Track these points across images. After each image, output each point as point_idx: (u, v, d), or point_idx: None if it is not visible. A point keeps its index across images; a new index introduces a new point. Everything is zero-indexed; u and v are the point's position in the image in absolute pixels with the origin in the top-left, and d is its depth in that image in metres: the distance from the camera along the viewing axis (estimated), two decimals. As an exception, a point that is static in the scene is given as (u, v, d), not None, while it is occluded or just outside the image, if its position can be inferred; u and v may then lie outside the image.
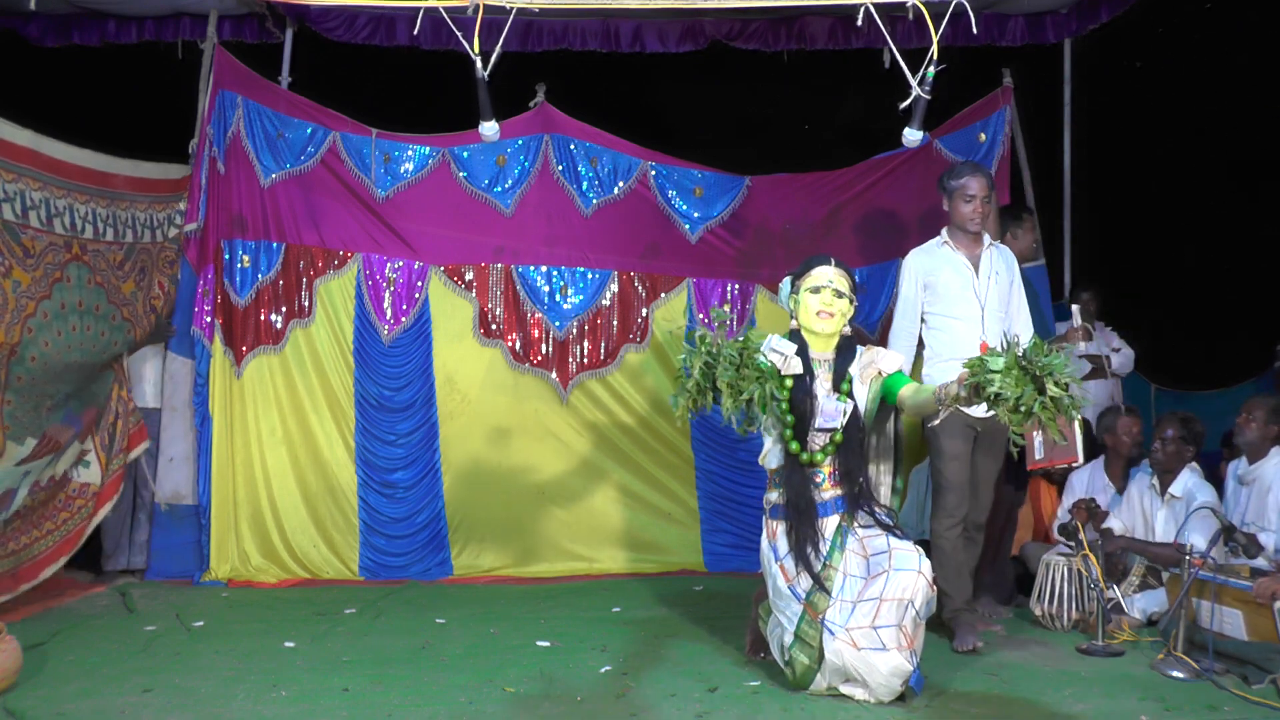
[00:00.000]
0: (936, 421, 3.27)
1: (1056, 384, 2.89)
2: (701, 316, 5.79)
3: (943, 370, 4.04)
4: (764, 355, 3.43)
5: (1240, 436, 4.45)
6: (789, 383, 3.49)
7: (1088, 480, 5.00)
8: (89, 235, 4.64)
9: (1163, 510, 4.54)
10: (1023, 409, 2.91)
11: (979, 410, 3.53)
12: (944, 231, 4.31)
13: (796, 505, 3.48)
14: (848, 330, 3.66)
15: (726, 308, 3.68)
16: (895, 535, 3.44)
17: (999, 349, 3.02)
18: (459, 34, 4.48)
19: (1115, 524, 4.68)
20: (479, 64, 4.34)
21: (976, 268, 4.22)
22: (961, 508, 4.11)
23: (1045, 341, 3.06)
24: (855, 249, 5.69)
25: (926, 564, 3.33)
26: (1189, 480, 4.51)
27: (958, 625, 3.99)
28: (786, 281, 3.75)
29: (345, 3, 5.36)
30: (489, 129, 4.55)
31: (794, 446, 3.49)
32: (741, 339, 3.38)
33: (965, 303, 4.19)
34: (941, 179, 4.33)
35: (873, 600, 3.28)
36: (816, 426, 3.50)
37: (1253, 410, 4.42)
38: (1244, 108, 7.09)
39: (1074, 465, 4.57)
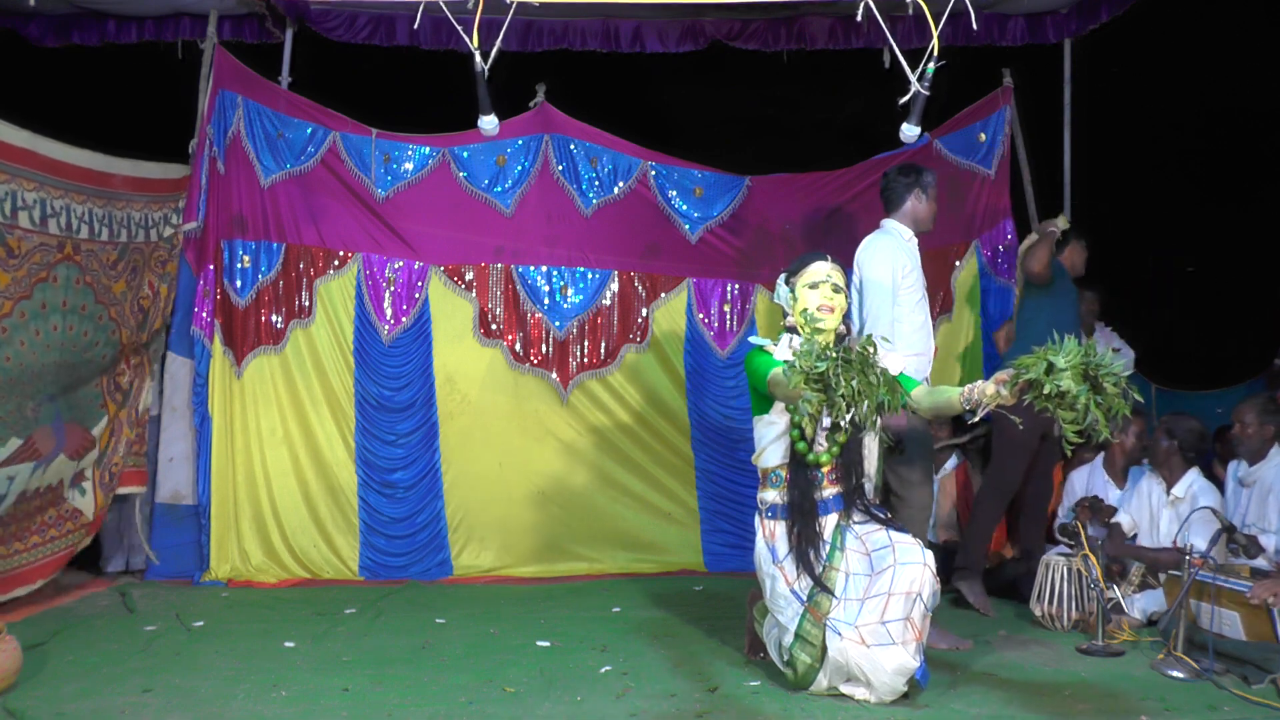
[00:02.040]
0: (976, 419, 3.22)
1: (1114, 384, 2.89)
2: (701, 316, 5.80)
3: (893, 364, 3.98)
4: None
5: (1241, 445, 4.45)
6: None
7: (1087, 479, 5.00)
8: (84, 235, 4.63)
9: (1167, 510, 4.55)
10: (1079, 406, 2.90)
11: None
12: (901, 225, 4.24)
13: (801, 507, 3.48)
14: (843, 329, 3.66)
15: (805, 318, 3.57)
16: (893, 529, 3.45)
17: (1054, 347, 2.99)
18: (459, 29, 4.47)
19: (1124, 519, 4.67)
20: (478, 57, 4.33)
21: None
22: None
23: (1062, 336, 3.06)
24: (855, 249, 5.68)
25: (930, 556, 3.34)
26: (1193, 482, 4.51)
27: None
28: (782, 278, 3.74)
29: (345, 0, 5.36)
30: (488, 123, 4.54)
31: (801, 447, 3.49)
32: (863, 340, 3.21)
33: (923, 301, 4.21)
34: (914, 171, 4.27)
35: (880, 595, 3.28)
36: (823, 426, 3.50)
37: (1244, 416, 4.42)
38: (1245, 107, 7.09)
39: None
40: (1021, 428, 3.42)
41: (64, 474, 4.73)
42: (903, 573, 3.28)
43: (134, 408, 5.16)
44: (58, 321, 4.52)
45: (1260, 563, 4.04)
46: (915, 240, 4.26)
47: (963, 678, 3.58)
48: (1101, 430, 2.93)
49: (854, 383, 2.98)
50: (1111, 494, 4.88)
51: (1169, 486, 4.56)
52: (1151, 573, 4.46)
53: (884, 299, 4.07)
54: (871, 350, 3.08)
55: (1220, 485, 4.67)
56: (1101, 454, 5.01)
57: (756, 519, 3.63)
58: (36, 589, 4.65)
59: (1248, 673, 3.54)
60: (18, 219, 4.27)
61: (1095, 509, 4.68)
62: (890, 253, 4.13)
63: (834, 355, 3.00)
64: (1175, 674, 3.59)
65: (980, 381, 3.16)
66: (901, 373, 3.53)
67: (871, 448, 3.70)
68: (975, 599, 4.55)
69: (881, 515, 3.53)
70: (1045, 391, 2.93)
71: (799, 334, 3.62)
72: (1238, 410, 4.47)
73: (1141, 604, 4.37)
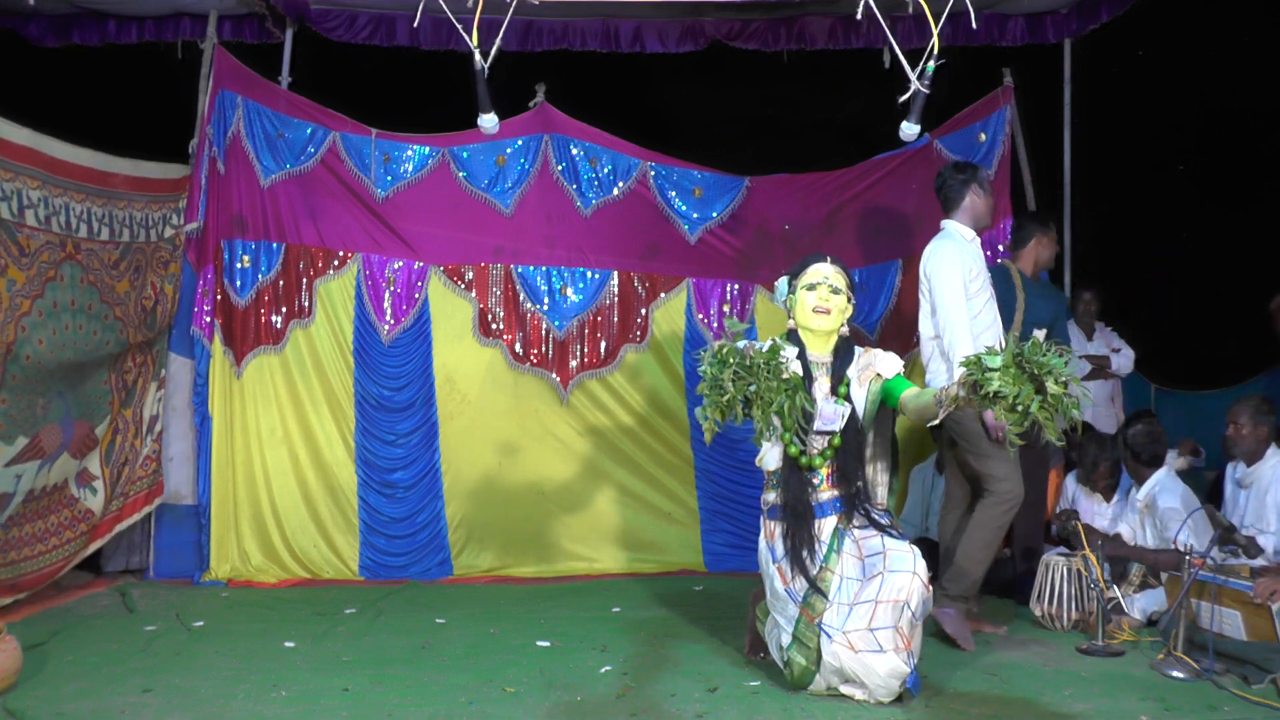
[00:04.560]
0: (935, 421, 3.26)
1: (1056, 382, 2.88)
2: (701, 316, 5.80)
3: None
4: (786, 363, 3.36)
5: (1235, 446, 4.45)
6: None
7: (1075, 485, 5.01)
8: (83, 234, 4.63)
9: (1144, 516, 4.56)
10: (1020, 408, 2.90)
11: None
12: (962, 226, 4.26)
13: (794, 509, 3.47)
14: (845, 330, 3.65)
15: (741, 323, 3.58)
16: (890, 535, 3.44)
17: (996, 347, 3.01)
18: (459, 28, 4.47)
19: (1124, 529, 4.67)
20: (477, 55, 4.31)
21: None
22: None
23: (1045, 341, 3.05)
24: (855, 249, 5.69)
25: (922, 565, 3.31)
26: (1155, 485, 4.53)
27: (956, 610, 4.01)
28: (783, 281, 3.74)
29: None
30: (488, 121, 4.53)
31: (793, 450, 3.48)
32: (768, 348, 3.30)
33: (990, 302, 4.23)
34: (970, 167, 4.33)
35: (869, 602, 3.27)
36: (815, 429, 3.49)
37: (1237, 418, 4.42)
38: (1245, 107, 7.09)
39: None
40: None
41: (68, 472, 4.72)
42: (891, 581, 3.27)
43: (138, 408, 5.16)
44: (69, 320, 4.54)
45: (1260, 563, 4.04)
46: (978, 240, 4.29)
47: (961, 677, 3.58)
48: (1048, 432, 2.92)
49: (749, 388, 3.11)
50: (1097, 505, 4.89)
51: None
52: (1152, 573, 4.46)
53: (957, 304, 4.07)
54: (778, 357, 3.21)
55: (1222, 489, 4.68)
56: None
57: (761, 518, 3.63)
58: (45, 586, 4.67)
59: (1248, 673, 3.54)
60: (25, 217, 4.27)
61: (1067, 519, 4.64)
62: (957, 256, 4.14)
63: (732, 361, 3.12)
64: (1175, 674, 3.59)
65: (950, 383, 3.18)
66: (898, 375, 3.54)
67: (878, 451, 3.68)
68: (954, 629, 3.97)
69: (883, 521, 3.51)
70: (983, 393, 2.94)
71: (798, 337, 3.62)
72: (1231, 412, 4.47)
73: (1141, 604, 4.36)
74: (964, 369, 3.04)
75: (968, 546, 4.09)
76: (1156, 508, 4.46)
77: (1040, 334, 3.47)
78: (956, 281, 4.09)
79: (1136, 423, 4.70)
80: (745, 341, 3.42)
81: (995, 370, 2.90)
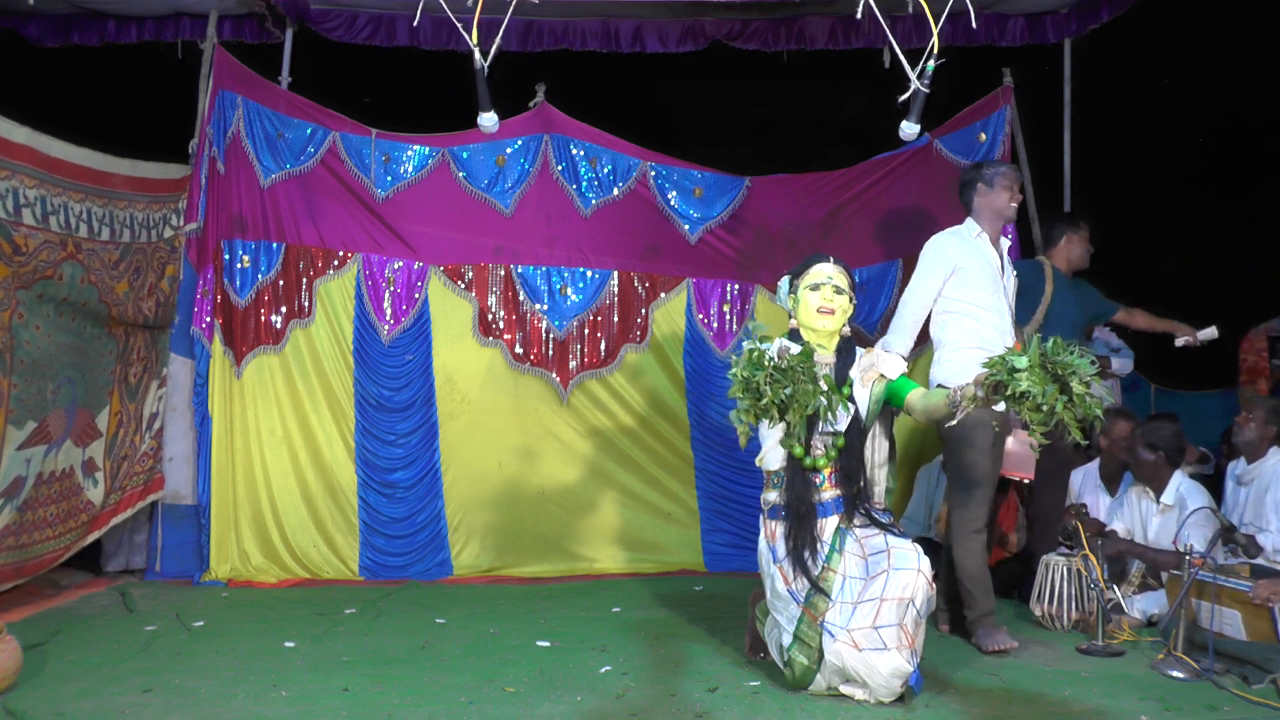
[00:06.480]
0: (954, 422, 3.24)
1: (1080, 382, 2.88)
2: (701, 316, 5.80)
3: (963, 360, 3.99)
4: (818, 365, 3.32)
5: (1239, 436, 4.45)
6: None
7: (1081, 482, 5.00)
8: (84, 234, 4.62)
9: (1157, 518, 4.54)
10: (1045, 408, 2.90)
11: (998, 408, 3.43)
12: (972, 224, 4.27)
13: (796, 510, 3.46)
14: (847, 330, 3.65)
15: (763, 323, 3.53)
16: (892, 533, 3.44)
17: (1017, 347, 3.01)
18: (459, 26, 4.46)
19: (1119, 527, 4.66)
20: (477, 54, 4.31)
21: (1001, 263, 4.26)
22: (988, 504, 4.12)
23: (1067, 342, 3.04)
24: (855, 249, 5.68)
25: (925, 562, 3.32)
26: (1180, 485, 4.50)
27: (985, 628, 3.99)
28: (785, 280, 3.73)
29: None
30: (488, 120, 4.52)
31: (798, 451, 3.48)
32: (801, 351, 3.25)
33: (994, 296, 4.18)
34: (974, 168, 4.36)
35: (873, 600, 3.27)
36: (819, 430, 3.49)
37: (1252, 410, 4.43)
38: (1245, 107, 7.10)
39: (1025, 481, 4.48)
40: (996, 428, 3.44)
41: (73, 460, 4.73)
42: (896, 578, 3.27)
43: (140, 404, 5.17)
44: (68, 311, 4.55)
45: (1260, 563, 4.04)
46: (985, 236, 4.24)
47: (962, 677, 3.58)
48: (1072, 432, 2.92)
49: (785, 392, 3.05)
50: (1103, 500, 4.88)
51: (1157, 495, 4.55)
52: (1152, 573, 4.45)
53: (921, 293, 4.16)
54: (811, 359, 3.15)
55: (1222, 487, 4.67)
56: (1099, 457, 5.00)
57: (760, 518, 3.63)
58: (29, 583, 4.66)
59: (1248, 673, 3.54)
60: (21, 215, 4.26)
61: (1081, 516, 4.64)
62: (943, 247, 4.20)
63: (767, 364, 3.07)
64: (1175, 674, 3.60)
65: (964, 383, 3.18)
66: (902, 376, 3.54)
67: (879, 452, 3.68)
68: (999, 644, 3.94)
69: (884, 519, 3.52)
70: (1009, 393, 2.94)
71: (800, 337, 3.62)
72: (1249, 404, 4.47)
73: (1141, 604, 4.37)
74: (985, 369, 3.04)
75: (962, 570, 4.07)
76: (1185, 507, 4.43)
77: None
78: (932, 271, 4.16)
79: (1163, 422, 4.64)
80: (776, 344, 3.40)
81: (1022, 370, 2.90)
